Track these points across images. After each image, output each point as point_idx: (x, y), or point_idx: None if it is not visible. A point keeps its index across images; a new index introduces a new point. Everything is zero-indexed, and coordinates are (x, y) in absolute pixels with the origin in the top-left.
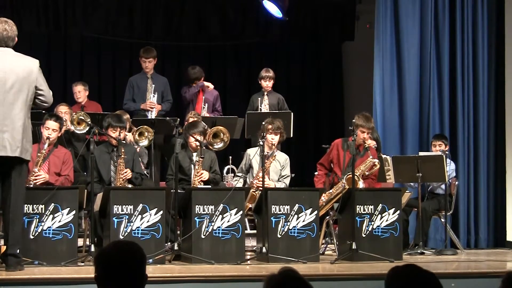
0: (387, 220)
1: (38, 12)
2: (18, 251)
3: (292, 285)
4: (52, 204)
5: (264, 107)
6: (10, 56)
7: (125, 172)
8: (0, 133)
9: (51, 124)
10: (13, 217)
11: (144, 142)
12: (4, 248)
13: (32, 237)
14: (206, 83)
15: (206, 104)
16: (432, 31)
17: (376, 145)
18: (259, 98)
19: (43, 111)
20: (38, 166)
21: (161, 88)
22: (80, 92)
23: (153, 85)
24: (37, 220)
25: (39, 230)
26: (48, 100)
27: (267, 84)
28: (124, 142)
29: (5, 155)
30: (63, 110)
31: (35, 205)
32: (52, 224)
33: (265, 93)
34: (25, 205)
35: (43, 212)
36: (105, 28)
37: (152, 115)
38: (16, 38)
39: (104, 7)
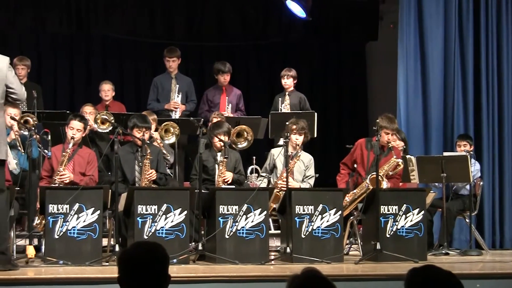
0: (411, 221)
1: (61, 13)
2: (6, 248)
3: (315, 285)
4: (77, 204)
5: (285, 108)
6: None
7: (150, 173)
8: None
9: (76, 124)
10: None
11: (171, 139)
12: (28, 248)
13: (57, 237)
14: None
15: (230, 105)
16: (456, 31)
17: (404, 146)
18: (280, 99)
19: (67, 112)
20: (63, 166)
21: (185, 88)
22: (109, 90)
23: (177, 85)
24: (62, 220)
25: (63, 230)
26: (20, 97)
27: (285, 82)
28: (148, 142)
29: None
30: (88, 110)
31: (59, 205)
32: (77, 224)
33: (287, 93)
34: (50, 204)
35: (68, 212)
36: (127, 28)
37: (176, 115)
38: None
39: (126, 8)
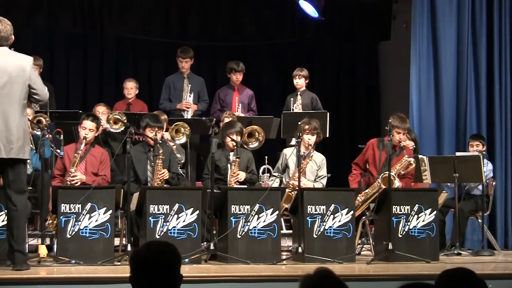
0: (423, 221)
1: (74, 12)
2: (24, 248)
3: (328, 285)
4: (89, 203)
5: (297, 108)
6: (3, 55)
7: (163, 173)
8: None
9: (88, 124)
10: (17, 215)
11: (182, 139)
12: (40, 247)
13: (69, 236)
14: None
15: (240, 105)
16: (469, 30)
17: (414, 146)
18: (292, 99)
19: (80, 111)
20: (74, 166)
21: (197, 88)
22: (132, 88)
23: (190, 85)
24: (74, 219)
25: (75, 230)
26: (42, 97)
27: (297, 82)
28: (160, 142)
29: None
30: (100, 110)
31: (71, 205)
32: (89, 224)
33: (298, 93)
34: (62, 204)
35: (80, 211)
36: (141, 28)
37: (188, 115)
38: (12, 37)
39: (140, 8)
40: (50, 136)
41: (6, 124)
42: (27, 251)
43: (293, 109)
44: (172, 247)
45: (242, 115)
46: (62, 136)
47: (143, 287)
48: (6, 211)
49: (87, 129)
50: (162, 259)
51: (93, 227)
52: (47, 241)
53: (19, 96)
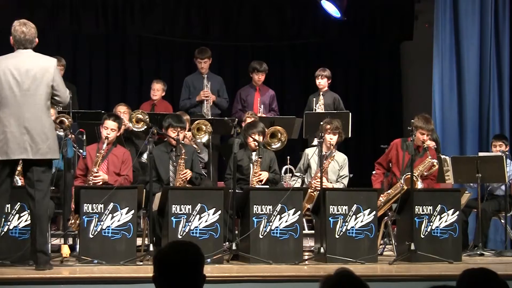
0: (446, 221)
1: (97, 13)
2: (47, 249)
3: (349, 285)
4: (111, 203)
5: (319, 108)
6: (27, 58)
7: (185, 173)
8: (21, 135)
9: (110, 123)
10: (40, 215)
11: (204, 138)
12: (63, 247)
13: (91, 236)
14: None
15: (262, 105)
16: (492, 30)
17: (435, 146)
18: (314, 99)
19: (102, 111)
20: (97, 166)
21: (216, 87)
22: (158, 90)
23: (209, 84)
24: (97, 219)
25: (98, 229)
26: (63, 100)
27: (319, 82)
28: (183, 142)
29: (26, 157)
30: (121, 109)
31: (94, 205)
32: (111, 224)
33: (321, 93)
34: (84, 204)
35: (102, 211)
36: (163, 28)
37: (208, 106)
38: (36, 40)
39: (162, 8)
40: (73, 136)
41: (33, 125)
42: (49, 251)
43: (315, 109)
44: (195, 247)
45: (264, 115)
46: (84, 136)
47: (166, 287)
48: (29, 211)
49: (109, 129)
50: (185, 259)
51: (116, 227)
52: (70, 241)
53: (44, 98)
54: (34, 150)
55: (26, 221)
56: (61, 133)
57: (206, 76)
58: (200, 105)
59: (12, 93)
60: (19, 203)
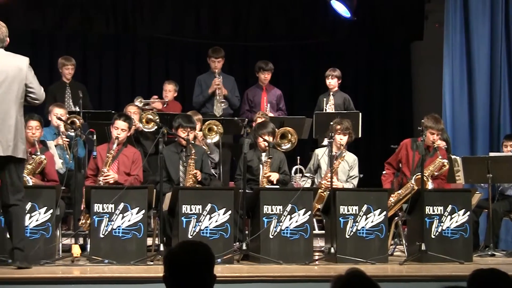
0: (457, 221)
1: (107, 14)
2: (23, 246)
3: (360, 286)
4: (122, 203)
5: (330, 108)
6: None
7: (195, 173)
8: None
9: (120, 124)
10: (16, 213)
11: (215, 138)
12: (74, 247)
13: (102, 236)
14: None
15: (269, 105)
16: (503, 30)
17: (446, 146)
18: (325, 99)
19: (112, 111)
20: (107, 166)
21: (229, 87)
22: (170, 91)
23: (221, 77)
24: (107, 219)
25: (109, 229)
26: (39, 97)
27: (330, 82)
28: (193, 142)
29: None
30: (132, 110)
31: (104, 204)
32: (122, 223)
33: (331, 93)
34: (95, 204)
35: (113, 211)
36: (173, 29)
37: (220, 103)
38: (7, 39)
39: (172, 8)
40: (84, 136)
41: (4, 122)
42: (58, 250)
43: (325, 109)
44: (206, 247)
45: (271, 115)
46: (95, 136)
47: (177, 287)
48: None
49: (119, 129)
50: (196, 259)
51: (126, 227)
52: (81, 240)
53: (16, 96)
54: (5, 147)
55: (37, 221)
56: (72, 133)
57: (218, 75)
58: (212, 102)
59: None
60: (30, 203)
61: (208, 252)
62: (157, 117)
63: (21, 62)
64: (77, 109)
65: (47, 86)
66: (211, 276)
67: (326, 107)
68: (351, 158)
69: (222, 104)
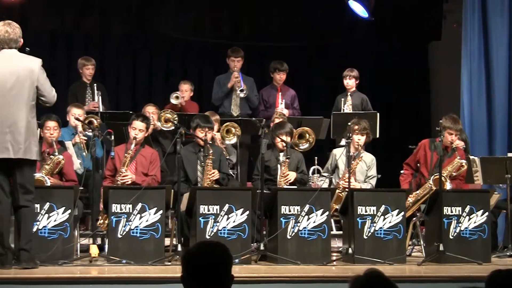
0: (475, 222)
1: (125, 14)
2: (30, 247)
3: (378, 286)
4: (140, 203)
5: (347, 108)
6: (11, 58)
7: (213, 173)
8: (2, 135)
9: (138, 124)
10: (24, 215)
11: (233, 140)
12: (92, 247)
13: (120, 236)
14: None
15: (284, 100)
16: None
17: (464, 146)
18: (342, 99)
19: (130, 112)
20: (125, 166)
21: (248, 95)
22: (187, 91)
23: (239, 74)
24: (125, 219)
25: (126, 230)
26: (49, 100)
27: (347, 82)
28: (211, 142)
29: (7, 157)
30: (150, 110)
31: (122, 205)
32: (140, 224)
33: (349, 94)
34: (113, 204)
35: (131, 211)
36: (191, 29)
37: (241, 86)
38: (21, 40)
39: (191, 9)
40: (102, 136)
41: (15, 124)
42: (76, 250)
43: (343, 110)
44: (223, 247)
45: (286, 111)
46: (112, 136)
47: (194, 287)
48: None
49: (137, 129)
50: (213, 259)
51: (144, 227)
52: (99, 241)
53: (27, 97)
54: (16, 149)
55: (55, 221)
56: (90, 134)
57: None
58: (231, 100)
59: None
60: (48, 203)
61: (226, 252)
62: (175, 116)
63: (33, 64)
64: (99, 108)
65: (65, 86)
66: (228, 276)
67: (343, 107)
68: (369, 158)
69: (242, 93)
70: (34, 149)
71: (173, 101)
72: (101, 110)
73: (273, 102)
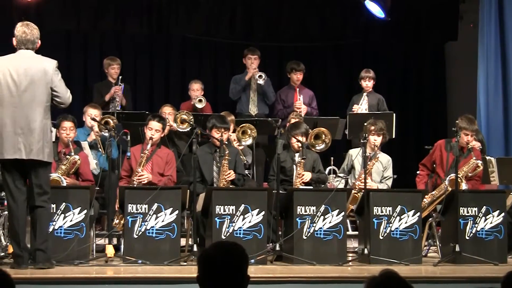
0: (491, 223)
1: (141, 14)
2: (46, 247)
3: (394, 287)
4: (155, 203)
5: (365, 105)
6: (27, 59)
7: (229, 173)
8: (15, 136)
9: (154, 124)
10: (40, 215)
11: (248, 141)
12: (108, 247)
13: (135, 236)
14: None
15: (302, 96)
16: None
17: (480, 147)
18: (359, 99)
19: (146, 112)
20: (141, 166)
21: (265, 87)
22: (198, 90)
23: (256, 84)
24: (141, 219)
25: (142, 230)
26: (64, 101)
27: (366, 84)
28: (226, 143)
29: (19, 157)
30: (167, 110)
31: (138, 205)
32: (156, 224)
33: (365, 94)
34: (129, 204)
35: (147, 211)
36: (207, 29)
37: (261, 79)
38: (38, 41)
39: (206, 9)
40: (118, 136)
41: (28, 125)
42: (92, 250)
43: (359, 107)
44: (240, 248)
45: (304, 107)
46: (129, 137)
47: (211, 287)
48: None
49: (153, 130)
50: (230, 260)
51: (160, 227)
52: (114, 241)
53: (42, 99)
54: (28, 150)
55: (71, 221)
56: (106, 134)
57: (253, 75)
58: (248, 98)
59: (9, 93)
60: (64, 203)
61: (243, 253)
62: (191, 118)
63: (48, 65)
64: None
65: (80, 86)
66: (244, 277)
67: (359, 105)
68: (385, 159)
69: (261, 79)
70: (46, 151)
71: (198, 105)
72: (122, 97)
73: (291, 102)
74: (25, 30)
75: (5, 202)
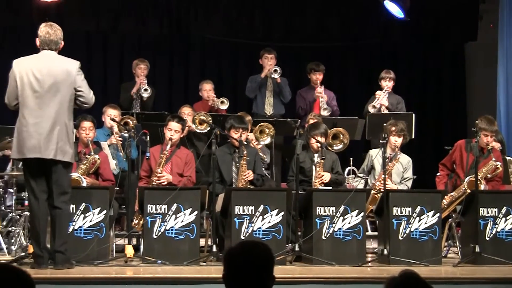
0: (511, 223)
1: (161, 15)
2: (65, 249)
3: (414, 287)
4: (175, 204)
5: (384, 100)
6: (50, 59)
7: (247, 174)
8: (38, 135)
9: (174, 125)
10: (59, 216)
11: (267, 140)
12: (127, 247)
13: (155, 236)
14: None
15: (325, 96)
16: None
17: (500, 147)
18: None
19: (166, 113)
20: (161, 167)
21: (282, 86)
22: (210, 90)
23: (273, 83)
24: (160, 220)
25: (162, 230)
26: (88, 101)
27: (387, 84)
28: (245, 143)
29: (39, 157)
30: (186, 111)
31: (157, 205)
32: (175, 224)
33: (379, 92)
34: (148, 204)
35: (166, 212)
36: (226, 29)
37: (276, 71)
38: (62, 42)
39: (225, 9)
40: (137, 137)
41: (51, 126)
42: (112, 250)
43: (375, 105)
44: (266, 248)
45: (325, 107)
46: (148, 137)
47: (236, 286)
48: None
49: (172, 130)
50: (256, 259)
51: (179, 227)
52: (134, 241)
53: (64, 99)
54: (49, 150)
55: (91, 221)
56: (126, 134)
57: (270, 75)
58: (263, 98)
59: (32, 93)
60: (84, 203)
61: (269, 253)
62: (210, 118)
63: (71, 66)
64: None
65: (101, 87)
66: (270, 277)
67: (375, 103)
68: (405, 160)
69: (276, 73)
70: (69, 151)
71: (222, 106)
72: (147, 87)
73: (313, 100)
74: (48, 30)
75: (26, 203)
